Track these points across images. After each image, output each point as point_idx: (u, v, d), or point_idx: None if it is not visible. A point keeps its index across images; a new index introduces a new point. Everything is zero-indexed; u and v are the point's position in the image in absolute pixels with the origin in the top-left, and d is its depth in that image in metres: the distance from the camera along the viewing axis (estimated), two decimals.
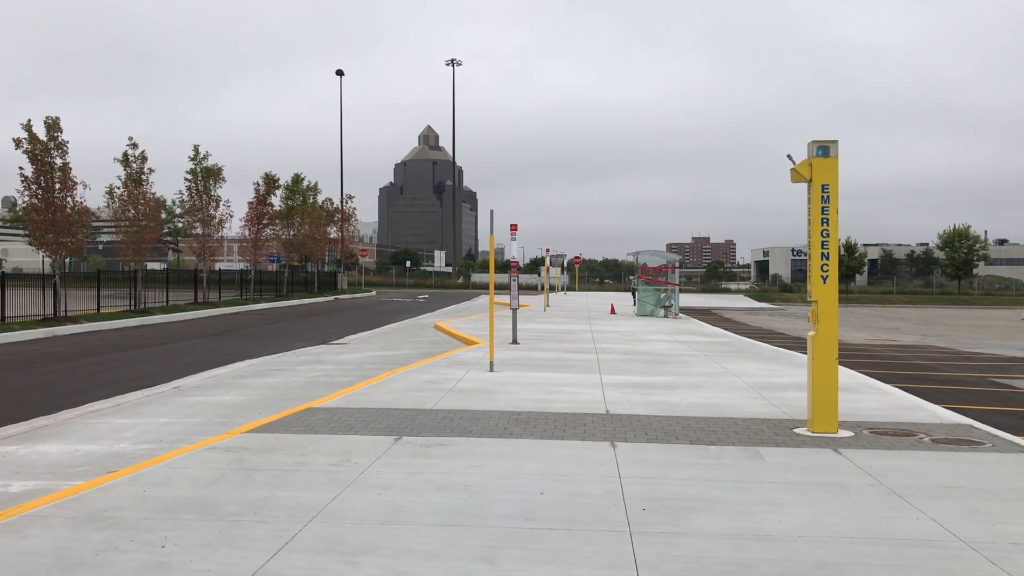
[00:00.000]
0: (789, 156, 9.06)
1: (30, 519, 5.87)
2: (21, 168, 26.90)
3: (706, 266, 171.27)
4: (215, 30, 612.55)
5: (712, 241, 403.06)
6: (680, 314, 32.45)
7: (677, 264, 33.08)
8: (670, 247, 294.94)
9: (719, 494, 6.64)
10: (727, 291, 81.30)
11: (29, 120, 26.97)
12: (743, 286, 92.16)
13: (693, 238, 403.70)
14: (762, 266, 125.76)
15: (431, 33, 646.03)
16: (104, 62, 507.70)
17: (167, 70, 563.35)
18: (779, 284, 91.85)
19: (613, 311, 34.75)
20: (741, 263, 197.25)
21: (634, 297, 42.84)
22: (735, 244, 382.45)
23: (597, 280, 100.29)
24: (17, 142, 26.72)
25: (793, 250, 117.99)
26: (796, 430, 9.25)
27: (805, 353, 10.40)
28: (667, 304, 31.88)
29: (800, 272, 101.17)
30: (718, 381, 13.39)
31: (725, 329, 27.21)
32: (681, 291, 34.97)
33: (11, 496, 6.59)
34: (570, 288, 69.35)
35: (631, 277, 50.64)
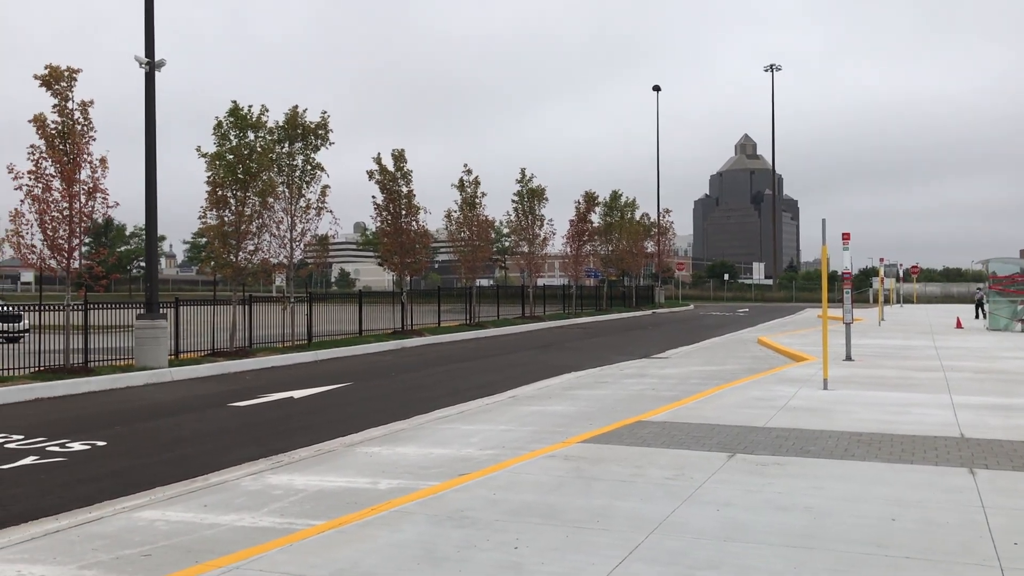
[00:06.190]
0: None
1: (399, 514, 6.50)
2: (374, 197, 29.96)
3: None
4: (512, 57, 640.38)
5: None
6: None
7: None
8: None
9: None
10: None
11: (379, 154, 30.00)
12: None
13: None
14: None
15: (719, 41, 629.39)
16: (415, 96, 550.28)
17: (472, 99, 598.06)
18: None
19: (959, 325, 31.72)
20: None
21: (978, 309, 38.81)
22: None
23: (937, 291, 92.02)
24: (370, 174, 29.79)
25: None
26: None
27: None
28: None
29: None
30: None
31: None
32: None
33: (380, 493, 7.32)
34: (907, 300, 64.30)
35: (976, 288, 45.87)
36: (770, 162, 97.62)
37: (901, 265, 64.19)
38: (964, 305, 57.96)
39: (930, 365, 17.12)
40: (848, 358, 17.73)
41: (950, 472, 7.69)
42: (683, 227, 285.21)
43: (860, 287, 78.91)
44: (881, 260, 42.63)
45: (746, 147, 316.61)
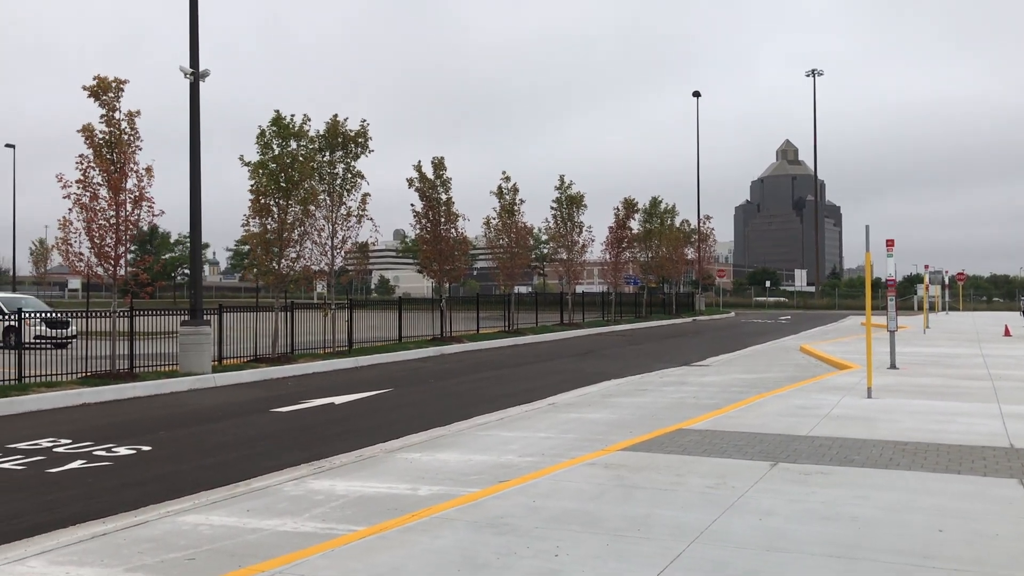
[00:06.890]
0: None
1: (439, 521, 6.52)
2: (412, 204, 30.15)
3: None
4: (547, 63, 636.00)
5: None
6: None
7: None
8: None
9: None
10: None
11: (419, 162, 30.16)
12: None
13: None
14: None
15: (758, 46, 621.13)
16: (449, 103, 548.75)
17: (507, 106, 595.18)
18: None
19: (1008, 333, 31.11)
20: None
21: None
22: None
23: (983, 299, 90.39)
24: (409, 181, 29.97)
25: None
26: None
27: None
28: None
29: None
30: None
31: None
32: None
33: (420, 499, 7.35)
34: (952, 308, 63.17)
35: None
36: (812, 168, 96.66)
37: (947, 271, 63.10)
38: (1011, 313, 56.85)
39: (977, 374, 16.80)
40: (893, 366, 17.47)
41: (999, 483, 7.53)
42: (724, 233, 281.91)
43: (904, 294, 77.67)
44: (926, 267, 41.94)
45: (787, 152, 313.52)
